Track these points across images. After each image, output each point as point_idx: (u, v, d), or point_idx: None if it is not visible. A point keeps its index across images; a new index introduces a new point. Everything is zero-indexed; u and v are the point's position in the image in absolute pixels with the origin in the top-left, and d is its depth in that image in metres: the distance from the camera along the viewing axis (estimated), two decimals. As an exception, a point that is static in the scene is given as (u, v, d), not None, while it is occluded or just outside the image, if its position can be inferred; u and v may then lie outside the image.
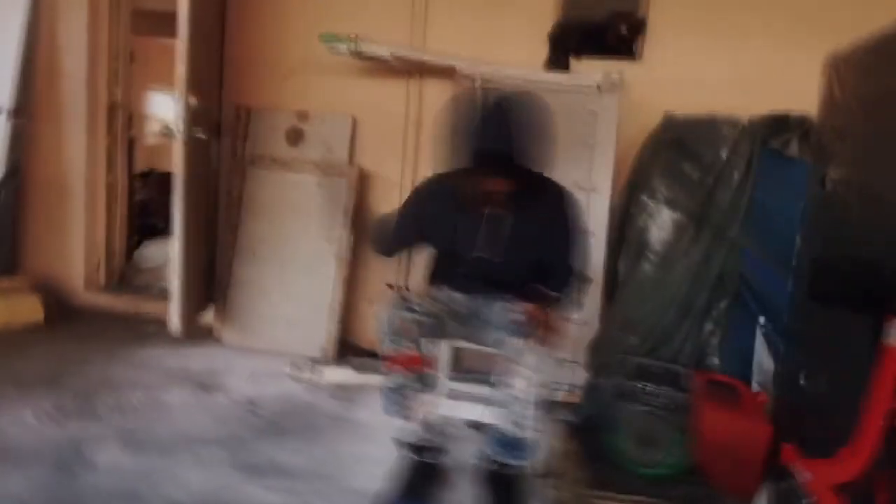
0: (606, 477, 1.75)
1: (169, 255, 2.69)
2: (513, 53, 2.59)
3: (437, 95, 2.62)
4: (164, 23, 2.89)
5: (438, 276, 1.51)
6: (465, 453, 1.31)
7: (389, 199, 2.55)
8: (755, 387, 1.87)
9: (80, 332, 2.77)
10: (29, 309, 2.79)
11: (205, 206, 2.77)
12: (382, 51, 2.57)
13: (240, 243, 2.83)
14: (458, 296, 1.44)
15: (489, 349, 1.31)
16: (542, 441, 1.24)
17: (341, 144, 2.82)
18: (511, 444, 1.24)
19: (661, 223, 2.13)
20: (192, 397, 2.24)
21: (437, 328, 1.36)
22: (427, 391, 1.31)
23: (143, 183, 3.93)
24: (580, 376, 2.05)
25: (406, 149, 2.78)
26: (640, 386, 1.91)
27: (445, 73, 2.55)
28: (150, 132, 4.76)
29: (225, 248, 2.85)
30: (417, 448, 1.34)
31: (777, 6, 2.47)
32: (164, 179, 3.52)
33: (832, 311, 1.29)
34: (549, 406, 1.25)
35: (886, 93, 1.21)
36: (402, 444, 1.34)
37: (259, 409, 2.18)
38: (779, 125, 2.02)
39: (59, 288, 3.02)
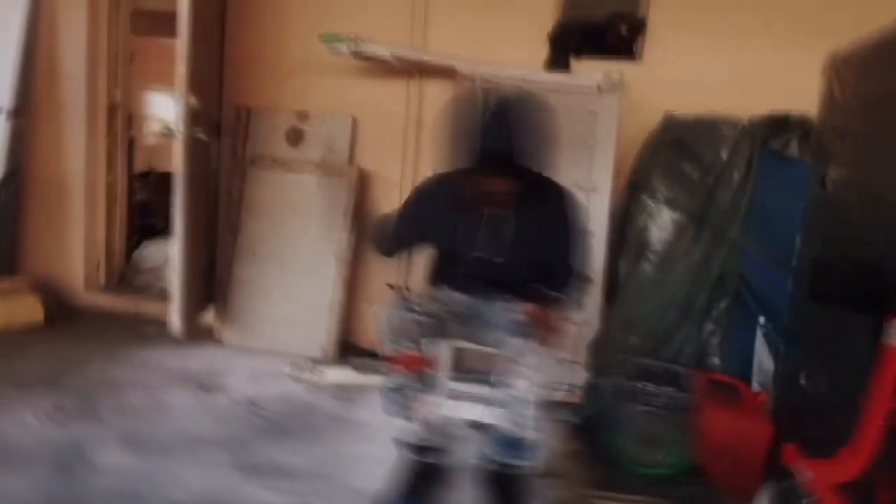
0: (607, 477, 1.76)
1: (169, 255, 2.69)
2: (513, 53, 2.59)
3: (437, 95, 2.62)
4: (163, 23, 2.89)
5: (439, 276, 1.51)
6: (467, 454, 1.31)
7: (389, 199, 2.55)
8: (755, 387, 1.87)
9: (80, 332, 2.77)
10: (29, 309, 2.79)
11: (205, 207, 2.77)
12: (383, 51, 2.57)
13: (240, 243, 2.83)
14: (458, 296, 1.44)
15: (490, 349, 1.31)
16: (544, 441, 1.24)
17: (341, 144, 2.82)
18: (512, 445, 1.24)
19: (661, 223, 2.13)
20: (193, 398, 2.24)
21: (437, 328, 1.36)
22: (428, 391, 1.31)
23: (143, 183, 3.93)
24: (580, 376, 2.05)
25: (406, 149, 2.78)
26: (640, 386, 1.91)
27: (446, 73, 2.55)
28: (150, 132, 4.76)
29: (225, 249, 2.85)
30: (418, 448, 1.34)
31: (777, 6, 2.47)
32: (164, 180, 3.52)
33: (832, 311, 1.29)
34: (549, 406, 1.25)
35: (886, 93, 1.21)
36: (402, 444, 1.34)
37: (260, 410, 2.18)
38: (779, 125, 2.02)
39: (59, 288, 3.01)
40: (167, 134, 4.32)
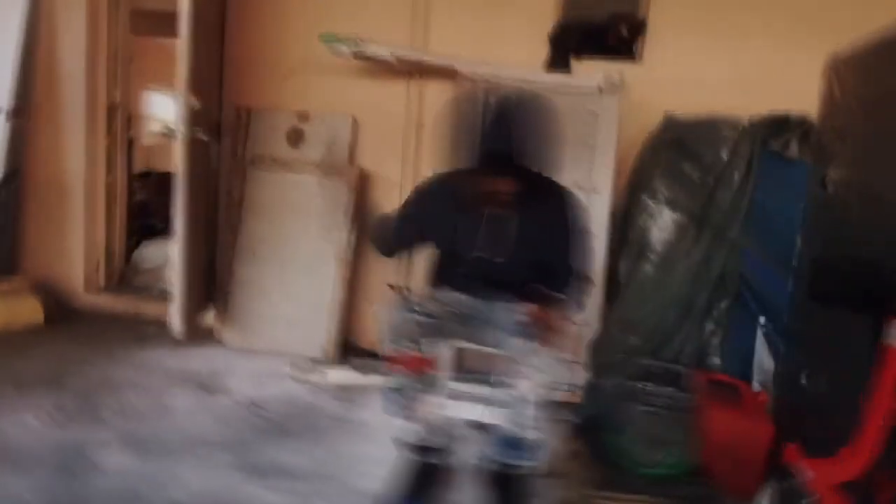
0: (608, 477, 1.76)
1: (168, 255, 2.69)
2: (513, 54, 2.59)
3: (437, 96, 2.62)
4: (163, 23, 2.89)
5: (439, 276, 1.51)
6: (468, 454, 1.31)
7: (389, 200, 2.55)
8: (756, 386, 1.87)
9: (80, 333, 2.76)
10: (29, 310, 2.79)
11: (205, 207, 2.77)
12: (383, 51, 2.57)
13: (240, 244, 2.82)
14: (458, 296, 1.44)
15: (491, 349, 1.31)
16: (545, 441, 1.24)
17: (342, 145, 2.82)
18: (513, 445, 1.24)
19: (661, 224, 2.13)
20: (194, 398, 2.24)
21: (438, 328, 1.36)
22: (428, 392, 1.31)
23: (143, 183, 3.93)
24: (581, 376, 2.06)
25: (406, 149, 2.78)
26: (640, 386, 1.92)
27: (446, 73, 2.55)
28: (149, 132, 4.75)
29: (225, 249, 2.85)
30: (419, 448, 1.34)
31: (777, 6, 2.47)
32: (163, 180, 3.52)
33: (832, 311, 1.29)
34: (550, 406, 1.25)
35: (886, 93, 1.22)
36: (403, 444, 1.34)
37: (261, 411, 2.18)
38: (779, 126, 2.03)
39: (59, 289, 3.01)
40: (167, 134, 4.31)
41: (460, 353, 1.33)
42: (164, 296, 2.82)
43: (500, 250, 1.37)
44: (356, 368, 2.50)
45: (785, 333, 1.64)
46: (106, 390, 2.22)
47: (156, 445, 1.88)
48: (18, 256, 3.03)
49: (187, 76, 2.46)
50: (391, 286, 2.46)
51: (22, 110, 2.91)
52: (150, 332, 2.79)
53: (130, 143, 3.38)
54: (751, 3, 2.50)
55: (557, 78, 2.49)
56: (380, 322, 1.37)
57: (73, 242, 3.04)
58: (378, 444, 1.79)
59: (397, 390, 1.32)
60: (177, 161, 2.53)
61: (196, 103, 2.53)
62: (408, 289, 2.32)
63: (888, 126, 1.20)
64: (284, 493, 1.69)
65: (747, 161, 2.06)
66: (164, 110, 4.73)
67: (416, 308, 1.35)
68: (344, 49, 2.56)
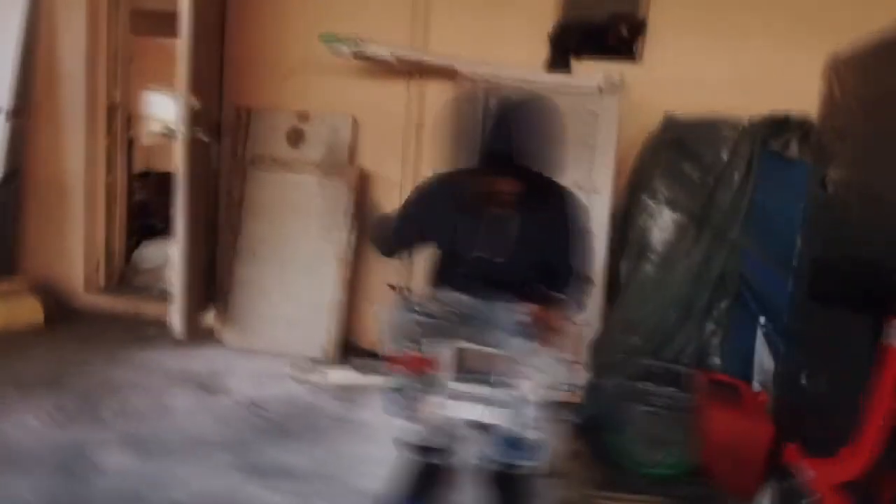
0: (609, 477, 1.76)
1: (168, 255, 2.69)
2: (513, 54, 2.59)
3: (437, 96, 2.62)
4: (163, 23, 2.89)
5: (439, 276, 1.51)
6: (469, 454, 1.31)
7: (389, 200, 2.55)
8: (756, 386, 1.88)
9: (80, 333, 2.76)
10: (29, 310, 2.79)
11: (205, 207, 2.77)
12: (383, 51, 2.57)
13: (240, 244, 2.82)
14: (459, 296, 1.44)
15: (492, 350, 1.31)
16: (546, 441, 1.24)
17: (342, 145, 2.82)
18: (514, 445, 1.24)
19: (662, 224, 2.13)
20: (194, 399, 2.24)
21: (439, 329, 1.36)
22: (429, 392, 1.31)
23: (142, 183, 3.93)
24: (582, 377, 2.06)
25: (406, 149, 2.78)
26: (641, 386, 1.92)
27: (446, 73, 2.55)
28: (149, 132, 4.75)
29: (225, 249, 2.85)
30: (420, 449, 1.34)
31: (777, 6, 2.48)
32: (163, 180, 3.52)
33: (832, 311, 1.29)
34: (551, 406, 1.25)
35: (886, 94, 1.22)
36: (404, 444, 1.34)
37: (261, 411, 2.18)
38: (779, 126, 2.03)
39: (59, 289, 3.01)
40: (168, 134, 4.31)
41: (461, 353, 1.33)
42: (164, 296, 2.82)
43: (501, 250, 1.37)
44: (356, 368, 2.50)
45: (785, 333, 1.65)
46: (106, 391, 2.22)
47: (156, 446, 1.88)
48: (18, 256, 3.03)
49: (187, 76, 2.46)
50: (391, 286, 2.46)
51: (22, 110, 2.91)
52: (150, 332, 2.79)
53: (130, 143, 3.37)
54: (751, 3, 2.51)
55: (557, 78, 2.49)
56: (380, 322, 1.37)
57: (73, 242, 3.04)
58: (379, 445, 1.79)
59: (398, 390, 1.32)
60: (177, 161, 2.53)
61: (196, 103, 2.53)
62: (408, 289, 2.32)
63: (888, 126, 1.20)
64: (285, 493, 1.69)
65: (747, 161, 2.06)
66: (163, 110, 4.73)
67: (417, 308, 1.35)
68: (344, 49, 2.56)
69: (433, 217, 1.43)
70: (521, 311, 1.33)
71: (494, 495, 1.37)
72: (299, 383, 2.44)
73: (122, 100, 3.14)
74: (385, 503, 1.42)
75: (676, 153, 2.17)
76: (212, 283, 2.83)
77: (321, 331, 2.71)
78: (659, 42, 2.56)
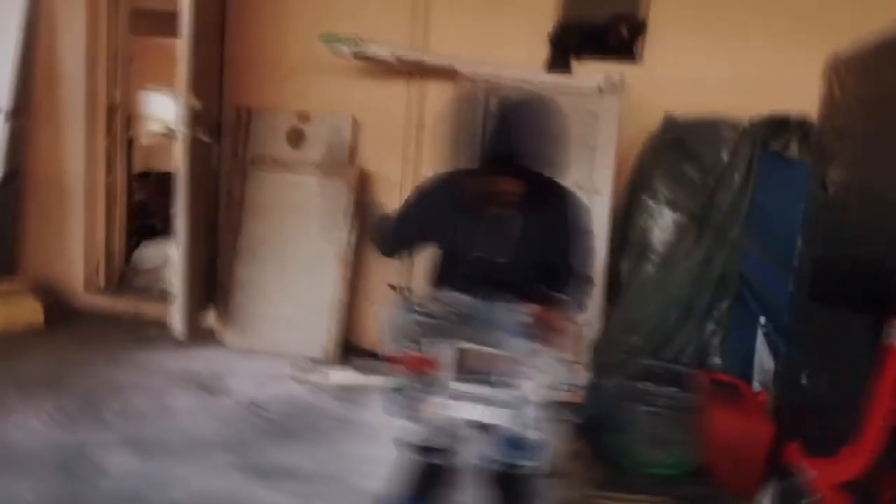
0: (611, 477, 1.76)
1: (168, 255, 2.68)
2: (513, 54, 2.59)
3: (438, 96, 2.62)
4: (163, 23, 2.89)
5: (440, 276, 1.51)
6: (470, 454, 1.31)
7: (390, 200, 2.55)
8: (756, 386, 1.88)
9: (80, 334, 2.76)
10: (29, 311, 2.79)
11: (205, 207, 2.76)
12: (383, 51, 2.57)
13: (240, 244, 2.82)
14: (460, 296, 1.44)
15: (494, 350, 1.31)
16: (547, 441, 1.24)
17: (342, 145, 2.82)
18: (516, 445, 1.24)
19: (662, 224, 2.14)
20: (195, 399, 2.24)
21: (439, 329, 1.36)
22: (430, 392, 1.31)
23: (142, 183, 3.92)
24: (582, 377, 2.06)
25: (407, 149, 2.78)
26: (642, 386, 1.92)
27: (447, 73, 2.55)
28: (148, 132, 4.74)
29: (226, 249, 2.85)
30: (423, 449, 1.34)
31: (777, 6, 2.48)
32: (163, 180, 3.52)
33: (832, 311, 1.29)
34: (553, 406, 1.26)
35: (887, 94, 1.22)
36: (405, 445, 1.35)
37: (262, 411, 2.18)
38: (779, 127, 2.03)
39: (59, 289, 3.01)
40: (168, 134, 4.30)
41: (462, 353, 1.33)
42: (164, 296, 2.81)
43: (501, 250, 1.37)
44: (357, 369, 2.50)
45: (785, 333, 1.65)
46: (107, 391, 2.22)
47: (157, 446, 1.88)
48: (18, 257, 3.02)
49: (188, 76, 2.45)
50: (392, 286, 2.46)
51: (22, 110, 2.90)
52: (150, 332, 2.79)
53: (130, 144, 3.37)
54: (751, 3, 2.51)
55: (557, 78, 2.49)
56: (380, 322, 1.37)
57: (73, 243, 3.04)
58: (379, 445, 1.79)
59: (398, 391, 1.32)
60: (177, 161, 2.53)
61: (197, 104, 2.52)
62: (408, 289, 2.32)
63: (888, 126, 1.21)
64: (286, 493, 1.69)
65: (748, 162, 2.07)
66: (163, 110, 4.72)
67: (417, 308, 1.35)
68: (344, 49, 2.56)
69: (433, 217, 1.43)
70: (522, 312, 1.33)
71: (496, 495, 1.37)
72: (300, 383, 2.44)
73: (122, 100, 3.14)
74: (386, 503, 1.42)
75: (677, 154, 2.17)
76: (212, 283, 2.83)
77: (321, 331, 2.71)
78: (659, 42, 2.56)
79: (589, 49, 2.59)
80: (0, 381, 2.21)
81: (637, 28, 2.56)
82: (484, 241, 1.36)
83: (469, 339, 1.36)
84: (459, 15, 2.68)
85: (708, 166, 2.11)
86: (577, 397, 2.05)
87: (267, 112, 2.85)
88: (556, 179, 1.34)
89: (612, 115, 2.36)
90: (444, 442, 1.32)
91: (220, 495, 1.67)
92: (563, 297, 1.36)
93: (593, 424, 1.96)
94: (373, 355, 2.51)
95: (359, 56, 2.59)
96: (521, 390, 1.24)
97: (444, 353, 1.32)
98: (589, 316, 2.12)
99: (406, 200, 1.50)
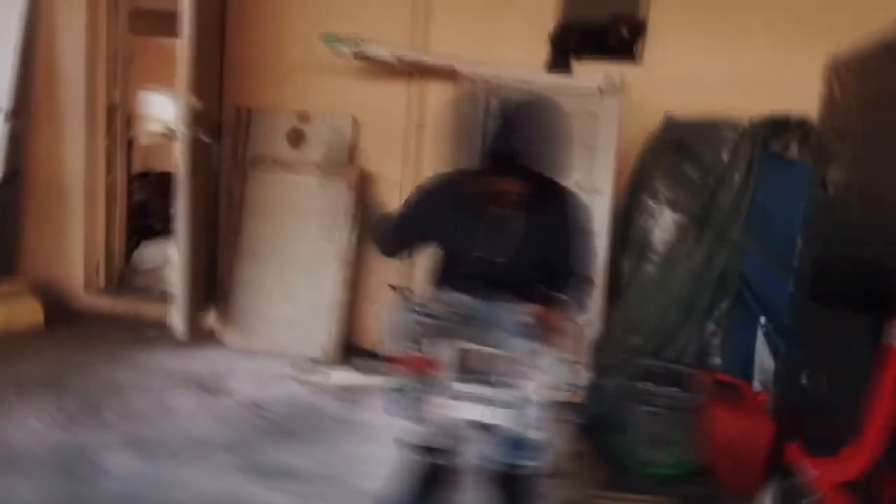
0: (612, 477, 1.77)
1: (167, 256, 2.68)
2: (513, 54, 2.59)
3: (438, 96, 2.62)
4: (163, 23, 2.88)
5: (441, 276, 1.51)
6: (472, 454, 1.31)
7: (390, 200, 2.55)
8: (756, 386, 1.88)
9: (80, 334, 2.76)
10: (29, 311, 2.78)
11: (206, 208, 2.76)
12: (384, 52, 2.57)
13: (241, 244, 2.82)
14: (461, 297, 1.44)
15: (495, 350, 1.31)
16: (549, 441, 1.24)
17: (342, 145, 2.82)
18: (517, 445, 1.25)
19: (663, 224, 2.14)
20: (196, 400, 2.24)
21: (440, 329, 1.36)
22: (431, 392, 1.31)
23: (141, 184, 3.92)
24: (583, 377, 2.06)
25: (407, 150, 2.78)
26: (642, 386, 1.92)
27: (447, 73, 2.55)
28: (147, 132, 4.74)
29: (226, 250, 2.85)
30: (424, 449, 1.34)
31: (777, 6, 2.48)
32: (162, 180, 3.51)
33: (832, 311, 1.30)
34: (554, 406, 1.26)
35: (887, 94, 1.22)
36: (406, 445, 1.35)
37: (263, 412, 2.18)
38: (779, 127, 2.03)
39: (59, 290, 3.01)
40: (168, 135, 4.30)
41: (463, 353, 1.33)
42: (164, 297, 2.81)
43: (502, 250, 1.37)
44: (357, 369, 2.50)
45: (785, 333, 1.65)
46: (107, 392, 2.22)
47: (158, 447, 1.88)
48: (18, 257, 3.02)
49: (188, 76, 2.45)
50: (392, 286, 2.46)
51: (22, 110, 2.90)
52: (150, 333, 2.78)
53: (130, 144, 3.37)
54: (751, 3, 2.51)
55: (558, 79, 2.49)
56: (381, 322, 1.37)
57: (73, 243, 3.03)
58: (380, 445, 1.80)
59: (399, 391, 1.32)
60: (177, 161, 2.52)
61: (198, 104, 2.52)
62: (409, 289, 2.32)
63: (888, 126, 1.21)
64: (287, 494, 1.69)
65: (748, 162, 2.07)
66: (163, 110, 4.72)
67: (418, 308, 1.35)
68: (344, 49, 2.56)
69: (433, 216, 1.43)
70: (523, 312, 1.33)
71: (497, 495, 1.38)
72: (300, 384, 2.44)
73: (122, 100, 3.14)
74: (387, 503, 1.43)
75: (677, 154, 2.18)
76: (212, 283, 2.83)
77: (322, 331, 2.71)
78: (659, 42, 2.56)
79: (589, 49, 2.59)
80: (0, 382, 2.21)
81: (637, 28, 2.56)
82: (484, 241, 1.36)
83: (470, 340, 1.36)
84: (459, 15, 2.69)
85: (708, 166, 2.12)
86: (578, 397, 2.06)
87: (267, 112, 2.85)
88: (555, 179, 1.34)
89: (612, 116, 2.36)
90: (445, 442, 1.32)
91: (221, 495, 1.67)
92: (564, 297, 1.37)
93: (594, 424, 1.96)
94: (373, 355, 2.51)
95: (359, 56, 2.59)
96: (521, 390, 1.24)
97: (445, 353, 1.33)
98: (589, 316, 2.12)
99: (406, 200, 1.50)
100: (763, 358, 1.87)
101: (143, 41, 3.63)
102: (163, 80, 3.98)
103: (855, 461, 1.10)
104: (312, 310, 2.74)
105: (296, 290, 2.76)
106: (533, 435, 1.22)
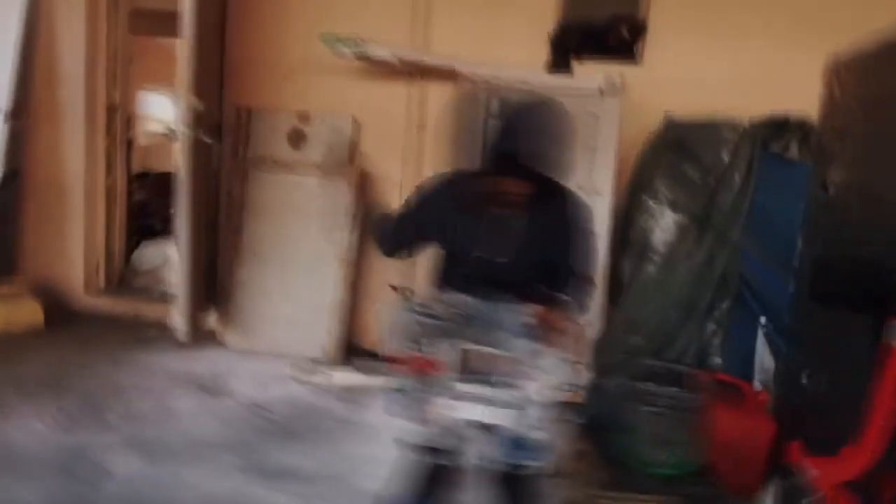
0: (614, 477, 1.77)
1: (167, 256, 2.68)
2: (513, 54, 2.59)
3: (438, 96, 2.62)
4: (163, 23, 2.88)
5: (442, 276, 1.51)
6: (474, 455, 1.31)
7: (390, 200, 2.55)
8: (757, 386, 1.89)
9: (80, 335, 2.75)
10: (29, 312, 2.78)
11: (206, 208, 2.76)
12: (384, 52, 2.57)
13: (241, 245, 2.82)
14: (462, 297, 1.44)
15: (496, 351, 1.31)
16: (551, 442, 1.25)
17: (342, 145, 2.82)
18: (519, 445, 1.25)
19: (663, 225, 2.14)
20: (197, 401, 2.24)
21: (441, 329, 1.36)
22: (433, 393, 1.32)
23: (140, 184, 3.92)
24: (584, 377, 2.06)
25: (407, 150, 2.78)
26: (643, 386, 1.93)
27: (447, 74, 2.55)
28: (146, 132, 4.73)
29: (226, 250, 2.85)
30: (426, 449, 1.34)
31: (777, 6, 2.48)
32: (162, 180, 3.51)
33: (833, 311, 1.30)
34: (556, 407, 1.26)
35: (886, 95, 1.23)
36: (408, 445, 1.35)
37: (264, 412, 2.18)
38: (779, 127, 2.04)
39: (59, 291, 3.00)
40: (168, 135, 4.30)
41: (464, 353, 1.34)
42: (164, 297, 2.81)
43: (502, 250, 1.37)
44: (358, 369, 2.50)
45: (786, 333, 1.66)
46: (109, 393, 2.22)
47: (159, 448, 1.88)
48: (18, 257, 3.02)
49: (188, 77, 2.45)
50: (393, 287, 2.46)
51: (21, 111, 2.90)
52: (150, 334, 2.78)
53: (129, 144, 3.37)
54: (751, 3, 2.51)
55: (558, 79, 2.49)
56: (382, 322, 1.37)
57: (73, 244, 3.03)
58: (382, 445, 1.80)
59: (400, 391, 1.33)
60: (178, 162, 2.52)
61: (199, 104, 2.52)
62: (410, 289, 2.32)
63: (888, 127, 1.21)
64: (289, 494, 1.69)
65: (748, 162, 2.07)
66: (163, 110, 4.71)
67: (419, 308, 1.36)
68: (345, 49, 2.56)
69: (434, 216, 1.43)
70: (524, 312, 1.33)
71: (499, 496, 1.38)
72: (301, 384, 2.44)
73: (122, 100, 3.14)
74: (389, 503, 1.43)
75: (677, 154, 2.18)
76: (213, 284, 2.83)
77: (322, 331, 2.71)
78: (659, 42, 2.56)
79: (589, 50, 2.59)
80: (0, 383, 2.21)
81: (637, 29, 2.56)
82: (485, 241, 1.36)
83: (471, 340, 1.36)
84: (460, 15, 2.69)
85: (708, 167, 2.12)
86: (579, 397, 2.06)
87: (267, 112, 2.85)
88: (556, 180, 1.34)
89: (612, 116, 2.37)
90: (446, 442, 1.32)
91: (223, 496, 1.67)
92: (565, 297, 1.37)
93: (595, 425, 1.97)
94: (374, 356, 2.51)
95: (359, 56, 2.59)
96: (523, 391, 1.25)
97: (446, 353, 1.33)
98: (590, 316, 2.12)
99: (407, 200, 1.50)
100: (763, 358, 1.88)
101: (143, 41, 3.62)
102: (163, 80, 3.98)
103: (856, 461, 1.11)
104: (313, 310, 2.74)
105: (296, 291, 2.76)
106: (534, 435, 1.22)
